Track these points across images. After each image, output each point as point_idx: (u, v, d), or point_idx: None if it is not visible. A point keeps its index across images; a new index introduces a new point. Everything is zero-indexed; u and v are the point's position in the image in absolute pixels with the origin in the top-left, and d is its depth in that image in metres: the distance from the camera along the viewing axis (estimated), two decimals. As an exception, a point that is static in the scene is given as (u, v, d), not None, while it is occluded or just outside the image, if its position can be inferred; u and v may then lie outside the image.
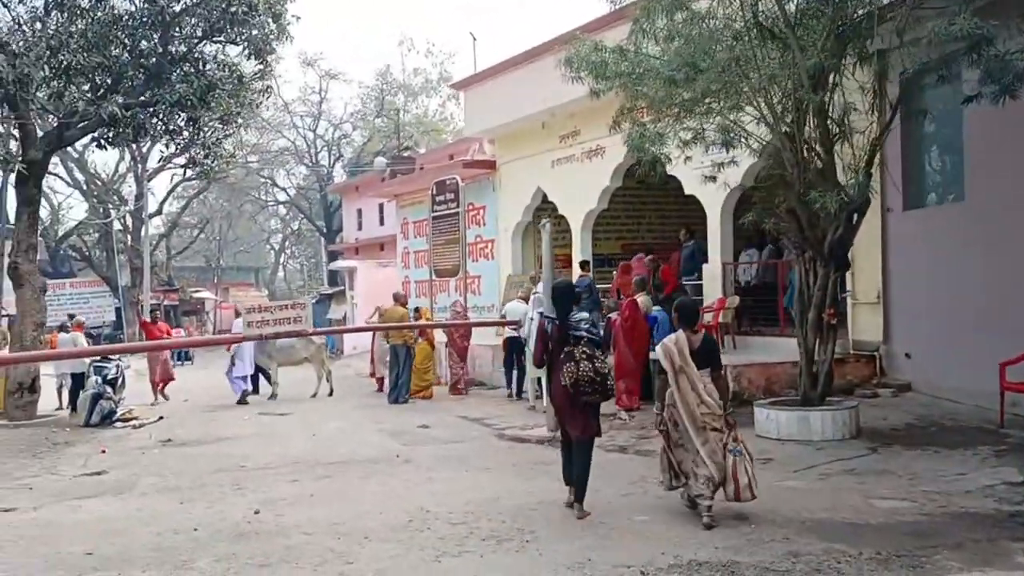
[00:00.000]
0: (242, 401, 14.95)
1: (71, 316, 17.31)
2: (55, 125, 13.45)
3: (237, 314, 17.65)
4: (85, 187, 37.13)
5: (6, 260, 12.99)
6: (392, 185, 23.80)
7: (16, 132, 12.94)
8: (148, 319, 17.17)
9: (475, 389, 15.42)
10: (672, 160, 9.76)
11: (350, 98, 69.35)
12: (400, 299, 14.92)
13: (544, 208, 17.95)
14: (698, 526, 5.72)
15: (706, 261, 13.89)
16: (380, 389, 15.84)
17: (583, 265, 14.97)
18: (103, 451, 10.37)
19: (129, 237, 37.22)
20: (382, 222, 37.50)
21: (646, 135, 9.26)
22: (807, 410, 8.63)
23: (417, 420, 11.83)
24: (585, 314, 6.64)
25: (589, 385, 6.07)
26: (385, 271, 29.17)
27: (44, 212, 43.26)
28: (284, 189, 49.40)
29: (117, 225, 37.34)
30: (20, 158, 12.46)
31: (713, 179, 9.76)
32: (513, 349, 13.85)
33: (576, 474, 6.26)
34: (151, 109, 13.56)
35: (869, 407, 9.55)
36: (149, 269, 35.52)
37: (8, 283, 13.17)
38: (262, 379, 16.20)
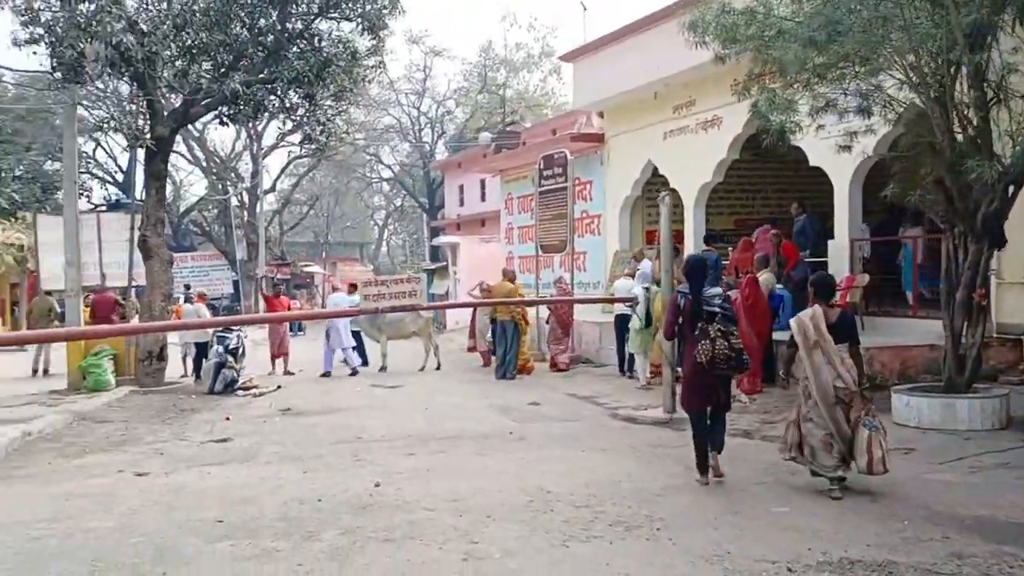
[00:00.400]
0: (325, 375, 15.35)
1: (187, 287, 17.94)
2: (180, 102, 13.89)
3: (334, 289, 18.05)
4: (205, 164, 38.73)
5: (136, 233, 13.54)
6: (496, 160, 23.70)
7: (144, 109, 13.42)
8: (271, 292, 17.64)
9: (582, 367, 15.19)
10: (802, 128, 9.19)
11: (453, 75, 69.68)
12: (508, 275, 14.81)
13: (653, 182, 17.48)
14: (844, 519, 5.34)
15: (820, 236, 13.23)
16: (486, 364, 15.87)
17: (707, 240, 14.55)
18: (227, 418, 10.69)
19: (245, 213, 38.69)
20: (484, 198, 37.61)
21: (775, 102, 8.74)
22: (952, 397, 8.01)
23: (526, 397, 11.71)
24: (718, 289, 6.75)
25: (725, 362, 6.25)
26: (487, 247, 29.22)
27: (167, 188, 45.57)
28: (389, 166, 50.21)
29: (234, 201, 38.84)
30: (148, 135, 12.93)
31: (848, 148, 9.15)
32: (623, 327, 13.54)
33: (716, 439, 6.46)
34: (269, 86, 13.83)
35: (1017, 395, 8.80)
36: (264, 243, 36.84)
37: (138, 255, 13.73)
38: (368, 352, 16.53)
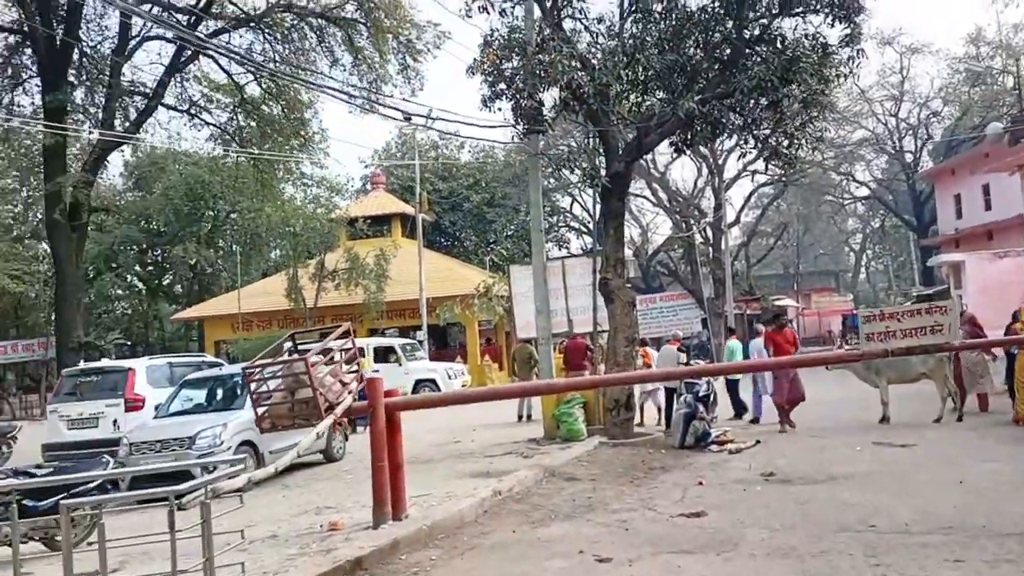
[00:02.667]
0: (754, 421, 14.19)
1: (643, 342, 16.68)
2: (633, 136, 13.18)
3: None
4: (668, 204, 39.01)
5: (597, 277, 13.02)
6: (1015, 154, 18.92)
7: (599, 147, 12.95)
8: (773, 327, 14.91)
9: None
10: None
11: (936, 72, 61.18)
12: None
13: None
14: None
15: None
16: (983, 408, 13.24)
17: None
18: (700, 482, 9.22)
19: (710, 249, 37.89)
20: (988, 206, 31.52)
21: None
22: None
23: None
24: None
25: None
26: (1003, 263, 24.09)
27: (635, 231, 47.22)
28: (864, 184, 45.36)
29: (698, 238, 38.33)
30: (604, 172, 12.36)
31: None
32: None
33: None
34: (727, 101, 12.36)
35: None
36: (730, 279, 35.52)
37: (601, 299, 13.18)
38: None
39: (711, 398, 13.08)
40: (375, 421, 7.60)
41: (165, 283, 40.99)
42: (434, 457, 12.32)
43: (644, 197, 41.12)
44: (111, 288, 38.38)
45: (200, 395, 12.40)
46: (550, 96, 12.91)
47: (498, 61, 12.77)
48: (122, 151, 38.19)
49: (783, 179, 37.75)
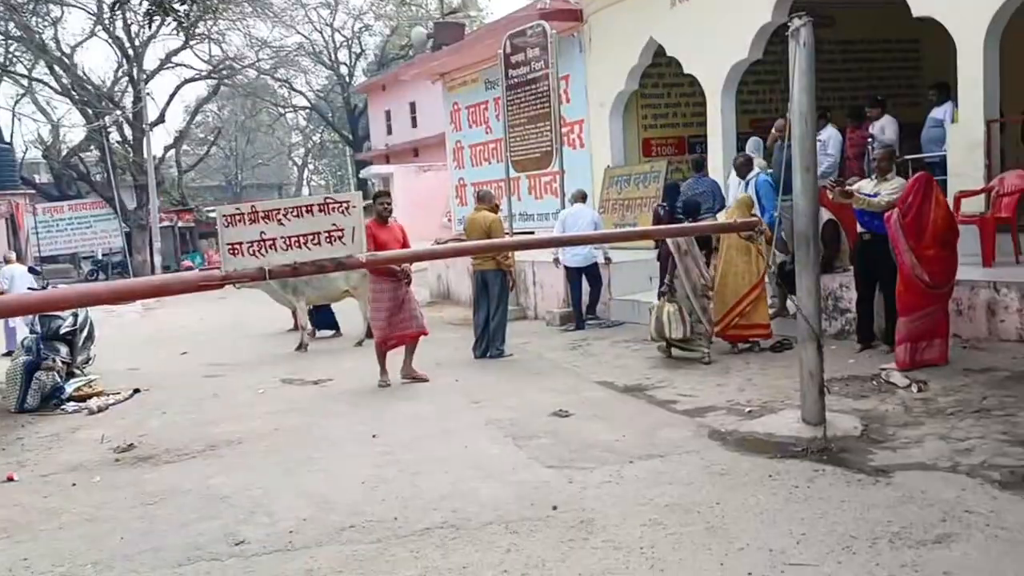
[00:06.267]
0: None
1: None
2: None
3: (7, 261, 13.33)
4: (75, 94, 32.13)
5: None
6: (438, 58, 18.56)
7: None
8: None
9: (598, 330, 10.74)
10: None
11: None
12: (487, 200, 9.54)
13: (656, 69, 13.21)
14: None
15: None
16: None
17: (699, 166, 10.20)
18: (10, 478, 5.90)
19: (131, 151, 32.47)
20: (415, 123, 32.79)
21: None
22: None
23: (539, 395, 7.18)
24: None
25: None
26: (426, 176, 25.02)
27: (45, 129, 38.73)
28: (302, 93, 43.98)
29: (117, 138, 32.54)
30: None
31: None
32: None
33: None
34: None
35: None
36: (155, 186, 30.96)
37: None
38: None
39: (84, 332, 9.57)
40: None
41: None
42: None
43: (50, 87, 33.27)
44: None
45: None
46: None
47: None
48: None
49: (213, 76, 34.06)
